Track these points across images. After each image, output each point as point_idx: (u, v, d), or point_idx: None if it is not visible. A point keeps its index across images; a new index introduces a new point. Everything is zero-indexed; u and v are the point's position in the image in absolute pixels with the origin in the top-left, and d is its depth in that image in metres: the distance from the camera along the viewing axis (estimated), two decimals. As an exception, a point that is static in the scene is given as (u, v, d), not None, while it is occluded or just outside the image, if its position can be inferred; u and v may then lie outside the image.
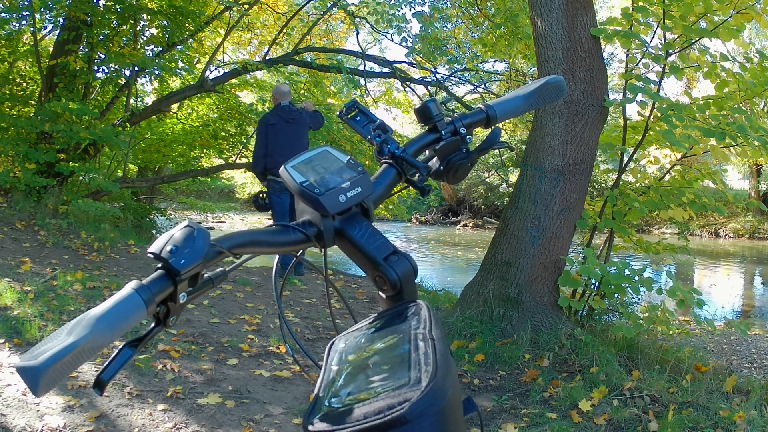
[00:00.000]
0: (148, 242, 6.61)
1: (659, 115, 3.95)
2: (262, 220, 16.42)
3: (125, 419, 2.54)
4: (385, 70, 8.95)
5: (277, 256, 0.84)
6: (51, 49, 8.09)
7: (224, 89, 8.59)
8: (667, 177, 4.48)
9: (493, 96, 9.68)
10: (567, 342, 3.60)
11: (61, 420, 2.42)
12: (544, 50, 3.95)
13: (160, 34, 8.05)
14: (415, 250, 13.59)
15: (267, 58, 8.78)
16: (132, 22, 7.75)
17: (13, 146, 6.77)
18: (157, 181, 9.30)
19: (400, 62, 9.07)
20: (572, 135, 3.90)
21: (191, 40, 8.57)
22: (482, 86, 9.99)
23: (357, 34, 9.56)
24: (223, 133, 9.59)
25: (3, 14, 6.82)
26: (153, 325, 0.63)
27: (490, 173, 20.12)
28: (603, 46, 4.18)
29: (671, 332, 4.24)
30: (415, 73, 9.81)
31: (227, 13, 8.67)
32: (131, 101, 8.24)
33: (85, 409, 2.54)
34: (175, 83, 9.10)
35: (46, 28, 8.18)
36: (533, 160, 3.99)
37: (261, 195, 5.41)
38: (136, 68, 7.40)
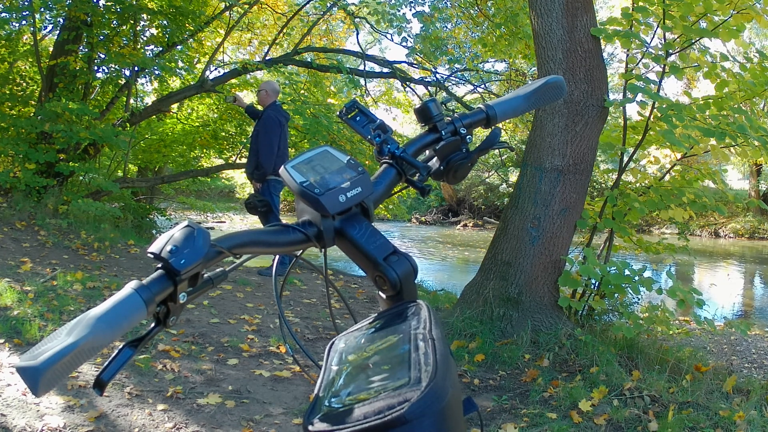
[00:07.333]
0: (148, 242, 6.61)
1: (659, 115, 3.95)
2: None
3: (125, 419, 2.54)
4: (385, 70, 8.94)
5: (277, 256, 0.84)
6: (51, 49, 8.09)
7: (224, 89, 8.59)
8: (667, 177, 4.47)
9: (493, 96, 9.68)
10: (567, 342, 3.60)
11: (61, 420, 2.42)
12: (544, 50, 3.95)
13: (160, 34, 8.05)
14: (415, 250, 13.59)
15: (267, 58, 8.78)
16: (132, 22, 7.75)
17: (13, 146, 6.76)
18: (157, 181, 9.29)
19: (400, 62, 9.07)
20: (572, 135, 3.90)
21: (191, 40, 8.57)
22: (482, 86, 9.99)
23: (357, 34, 9.56)
24: (223, 134, 9.58)
25: (3, 14, 6.82)
26: (153, 325, 0.63)
27: (490, 173, 20.12)
28: (603, 46, 4.18)
29: (671, 332, 4.24)
30: (415, 73, 9.81)
31: (227, 13, 8.67)
32: (131, 101, 8.23)
33: (85, 409, 2.55)
34: (175, 83, 9.10)
35: (46, 28, 8.18)
36: (533, 160, 3.99)
37: (259, 199, 5.38)
38: (136, 68, 7.40)
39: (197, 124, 9.73)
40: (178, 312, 0.63)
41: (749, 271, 12.15)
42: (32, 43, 7.40)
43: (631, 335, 3.63)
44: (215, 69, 9.48)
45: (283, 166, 0.76)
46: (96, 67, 7.90)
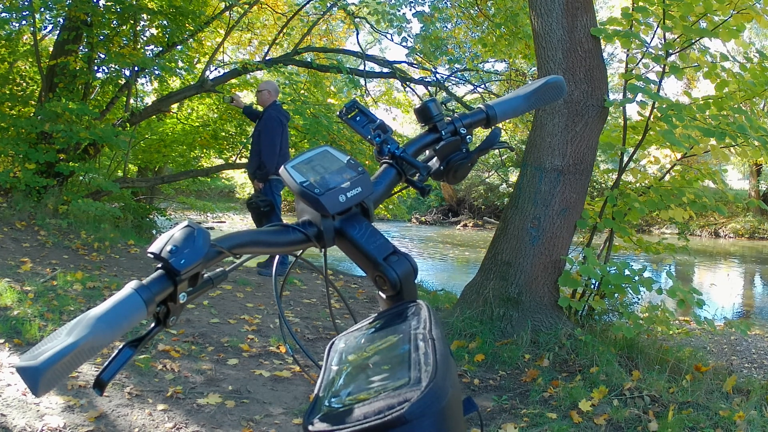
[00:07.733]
0: (148, 242, 6.61)
1: (659, 115, 3.95)
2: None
3: (125, 419, 2.54)
4: (385, 70, 8.94)
5: (277, 256, 0.84)
6: (51, 49, 8.09)
7: (224, 89, 8.59)
8: (667, 177, 4.47)
9: (493, 96, 9.68)
10: (567, 342, 3.60)
11: (61, 420, 2.42)
12: (544, 50, 3.95)
13: (160, 34, 8.05)
14: (415, 250, 13.59)
15: (267, 58, 8.78)
16: (132, 22, 7.75)
17: (13, 146, 6.76)
18: (157, 181, 9.29)
19: (400, 62, 9.07)
20: (572, 135, 3.90)
21: (191, 40, 8.57)
22: (482, 86, 9.99)
23: (357, 34, 9.56)
24: (223, 134, 9.58)
25: (3, 14, 6.82)
26: (153, 325, 0.63)
27: (490, 173, 20.13)
28: (603, 46, 4.18)
29: (671, 332, 4.24)
30: (415, 73, 9.81)
31: (227, 13, 8.67)
32: (131, 101, 8.23)
33: (85, 409, 2.55)
34: (175, 83, 9.10)
35: (46, 28, 8.18)
36: (533, 160, 3.99)
37: (261, 199, 5.32)
38: (136, 68, 7.40)
39: (197, 124, 9.73)
40: (178, 312, 0.63)
41: (749, 271, 12.15)
42: (32, 43, 7.40)
43: (631, 335, 3.63)
44: (215, 69, 9.48)
45: (283, 166, 0.76)
46: (96, 67, 7.90)
